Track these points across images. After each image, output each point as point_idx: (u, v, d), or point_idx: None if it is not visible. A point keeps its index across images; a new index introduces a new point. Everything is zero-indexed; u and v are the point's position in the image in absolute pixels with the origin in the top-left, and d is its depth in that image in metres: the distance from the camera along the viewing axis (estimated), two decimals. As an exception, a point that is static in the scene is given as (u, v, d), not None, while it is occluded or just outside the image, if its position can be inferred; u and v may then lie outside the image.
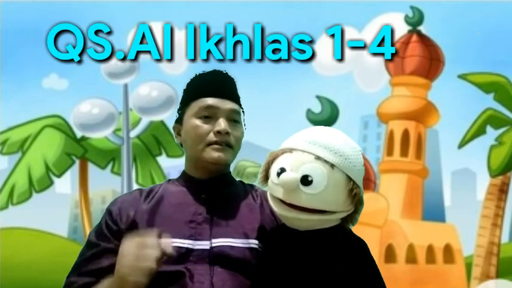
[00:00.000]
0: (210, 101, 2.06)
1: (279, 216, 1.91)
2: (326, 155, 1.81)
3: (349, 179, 1.83)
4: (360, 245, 1.90)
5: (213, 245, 1.98)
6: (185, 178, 2.11)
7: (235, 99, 2.10)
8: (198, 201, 2.05)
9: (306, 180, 1.80)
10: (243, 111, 2.12)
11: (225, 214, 2.03)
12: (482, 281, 9.61)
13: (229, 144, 2.05)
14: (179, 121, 2.14)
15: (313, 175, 1.80)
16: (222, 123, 2.03)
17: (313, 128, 1.92)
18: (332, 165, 1.81)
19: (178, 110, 2.15)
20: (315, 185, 1.80)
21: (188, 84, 2.14)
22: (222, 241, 1.99)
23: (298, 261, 1.85)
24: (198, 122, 2.06)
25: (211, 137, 2.04)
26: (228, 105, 2.07)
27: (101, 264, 2.00)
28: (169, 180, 2.17)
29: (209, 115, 2.05)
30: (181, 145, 2.14)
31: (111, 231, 2.04)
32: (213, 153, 2.03)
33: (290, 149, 1.86)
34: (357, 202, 1.86)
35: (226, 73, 2.13)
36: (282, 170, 1.83)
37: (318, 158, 1.81)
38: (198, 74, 2.14)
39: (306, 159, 1.81)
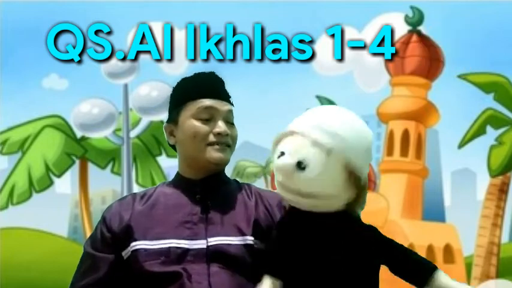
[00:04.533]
0: (208, 102, 2.10)
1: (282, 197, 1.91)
2: (323, 139, 1.81)
3: (348, 163, 1.82)
4: (373, 228, 1.94)
5: (209, 243, 2.01)
6: (179, 179, 2.14)
7: (229, 100, 2.15)
8: (192, 202, 2.08)
9: (300, 166, 1.80)
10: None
11: (220, 212, 2.06)
12: (482, 281, 9.62)
13: (228, 144, 2.10)
14: (171, 121, 2.15)
15: (308, 160, 1.80)
16: (221, 125, 2.08)
17: (318, 109, 1.93)
18: (330, 149, 1.80)
19: (170, 110, 2.17)
20: (309, 170, 1.80)
21: (180, 85, 2.17)
22: (218, 239, 2.02)
23: (318, 245, 1.84)
24: (197, 123, 2.10)
25: (211, 138, 2.08)
26: (225, 106, 2.12)
27: (97, 274, 2.05)
28: (163, 183, 2.20)
29: (208, 117, 2.09)
30: (174, 146, 2.15)
31: (105, 240, 2.08)
32: (215, 154, 2.08)
33: (291, 131, 1.87)
34: (358, 186, 1.85)
35: (216, 74, 2.17)
36: (282, 154, 1.84)
37: (315, 142, 1.81)
38: (188, 76, 2.18)
39: (303, 144, 1.82)
